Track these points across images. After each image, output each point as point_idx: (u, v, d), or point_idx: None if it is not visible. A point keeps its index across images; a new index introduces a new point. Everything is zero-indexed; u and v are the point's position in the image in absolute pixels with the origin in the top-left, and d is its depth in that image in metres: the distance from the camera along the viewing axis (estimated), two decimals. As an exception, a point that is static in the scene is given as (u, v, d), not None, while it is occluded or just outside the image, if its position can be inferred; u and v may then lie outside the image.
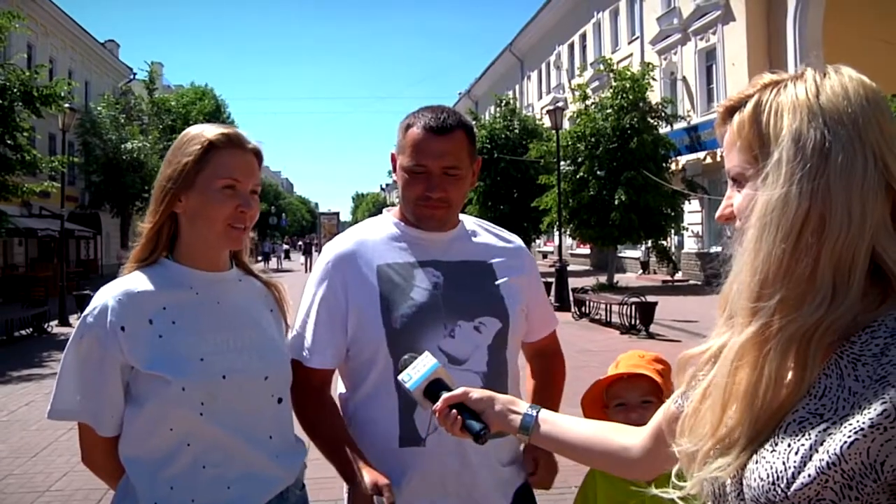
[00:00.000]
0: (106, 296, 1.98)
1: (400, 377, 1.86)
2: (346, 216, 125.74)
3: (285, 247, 65.73)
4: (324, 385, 2.32)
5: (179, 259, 2.09)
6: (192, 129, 2.10)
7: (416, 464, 2.20)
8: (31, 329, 18.13)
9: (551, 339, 2.62)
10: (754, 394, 1.15)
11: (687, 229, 28.02)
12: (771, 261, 1.13)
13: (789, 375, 1.14)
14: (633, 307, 16.47)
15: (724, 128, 1.29)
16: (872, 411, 1.02)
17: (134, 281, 2.02)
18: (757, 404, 1.15)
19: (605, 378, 2.50)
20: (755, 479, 1.13)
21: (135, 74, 48.30)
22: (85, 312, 1.98)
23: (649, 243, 28.27)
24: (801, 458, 1.08)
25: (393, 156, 2.33)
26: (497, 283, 2.33)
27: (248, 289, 2.20)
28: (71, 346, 1.97)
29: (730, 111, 1.28)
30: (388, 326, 2.20)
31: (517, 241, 2.52)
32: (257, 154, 2.11)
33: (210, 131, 2.05)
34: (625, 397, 2.46)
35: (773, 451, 1.12)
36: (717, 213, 1.32)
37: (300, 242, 53.40)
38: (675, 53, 31.67)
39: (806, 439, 1.09)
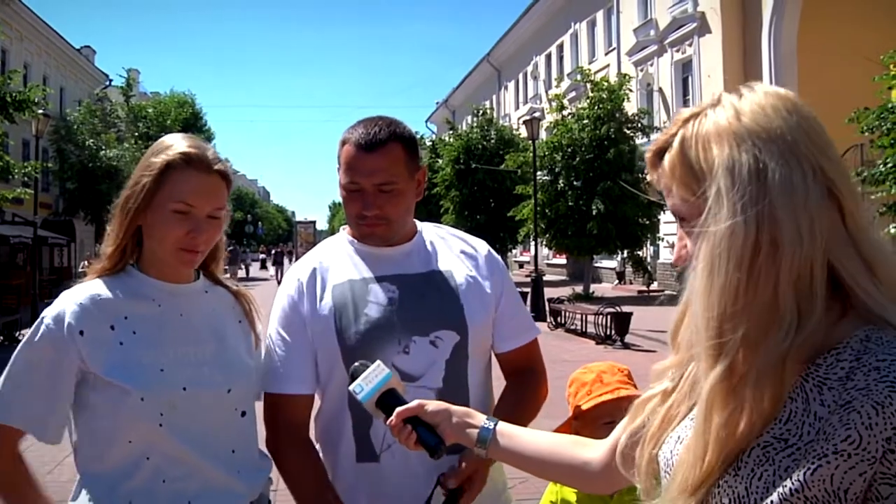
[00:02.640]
0: (66, 300, 1.94)
1: (351, 388, 1.79)
2: (322, 225, 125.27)
3: (261, 255, 64.62)
4: (301, 423, 2.21)
5: (144, 268, 2.05)
6: (165, 141, 2.05)
7: (372, 480, 2.16)
8: (1, 337, 17.87)
9: (527, 352, 2.40)
10: (730, 436, 1.11)
11: (663, 240, 28.12)
12: (727, 294, 1.10)
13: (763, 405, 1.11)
14: (609, 317, 16.50)
15: (657, 172, 1.27)
16: (837, 437, 1.01)
17: (96, 287, 1.98)
18: (731, 444, 1.11)
19: (613, 399, 2.35)
20: None
21: (111, 81, 48.01)
22: (43, 314, 1.93)
23: (625, 254, 28.36)
24: (765, 483, 1.06)
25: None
26: (457, 293, 2.24)
27: (214, 300, 2.16)
28: (24, 346, 1.91)
29: (658, 154, 1.26)
30: (343, 344, 2.15)
31: (482, 246, 2.42)
32: (224, 175, 2.04)
33: (174, 149, 1.99)
34: (615, 416, 2.40)
35: (736, 475, 1.10)
36: (674, 258, 1.30)
37: (274, 251, 50.86)
38: (651, 65, 31.93)
39: (769, 465, 1.07)
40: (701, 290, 1.13)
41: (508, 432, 1.69)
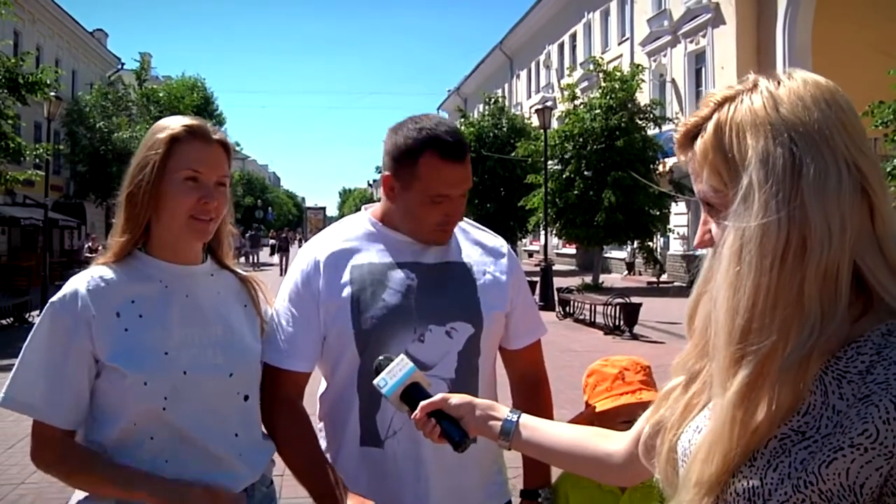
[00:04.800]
0: (75, 285, 1.97)
1: (375, 382, 1.80)
2: (332, 211, 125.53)
3: (271, 241, 63.82)
4: (296, 396, 2.20)
5: (151, 251, 2.07)
6: (161, 122, 2.09)
7: (375, 465, 2.15)
8: (11, 319, 17.97)
9: (534, 356, 2.42)
10: (747, 435, 1.09)
11: (673, 231, 28.10)
12: (758, 295, 1.07)
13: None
14: (618, 308, 16.49)
15: (687, 153, 1.24)
16: (854, 431, 0.99)
17: (103, 272, 2.01)
18: (750, 443, 1.09)
19: (637, 401, 2.32)
20: (731, 494, 1.09)
21: (123, 64, 48.13)
22: (53, 299, 1.96)
23: (635, 244, 28.31)
24: (779, 475, 1.04)
25: (387, 178, 2.19)
26: (475, 286, 2.23)
27: (220, 283, 2.17)
28: (33, 334, 1.94)
29: (688, 136, 1.23)
30: (358, 327, 2.13)
31: (501, 241, 2.41)
32: (224, 145, 2.09)
33: (174, 125, 2.04)
34: (634, 416, 2.37)
35: (752, 466, 1.08)
36: (696, 241, 1.27)
37: (283, 236, 47.92)
38: (664, 55, 31.75)
39: (786, 457, 1.05)
40: (726, 287, 1.11)
41: (532, 425, 1.69)
